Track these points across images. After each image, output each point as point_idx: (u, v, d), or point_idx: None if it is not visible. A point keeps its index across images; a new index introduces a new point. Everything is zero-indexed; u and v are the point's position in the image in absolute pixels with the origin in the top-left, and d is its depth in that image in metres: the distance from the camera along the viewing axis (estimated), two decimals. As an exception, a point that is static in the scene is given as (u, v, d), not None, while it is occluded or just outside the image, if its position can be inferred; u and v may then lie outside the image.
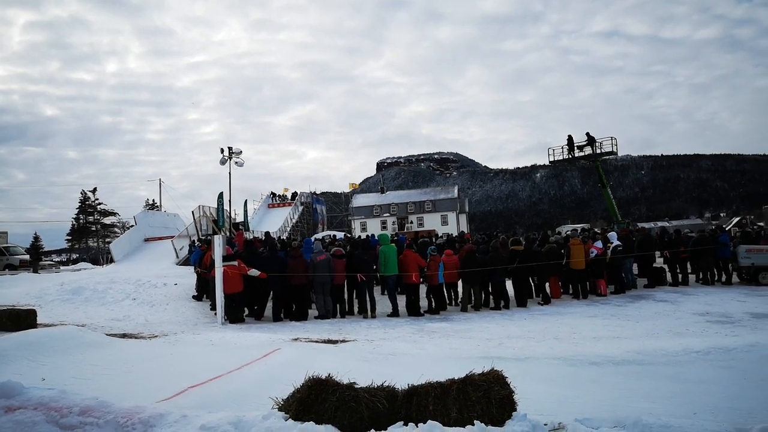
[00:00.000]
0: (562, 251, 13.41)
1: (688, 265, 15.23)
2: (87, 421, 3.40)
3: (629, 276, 14.43)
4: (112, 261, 24.44)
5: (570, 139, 29.52)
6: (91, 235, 67.22)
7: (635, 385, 5.56)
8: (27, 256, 27.91)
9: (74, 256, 61.00)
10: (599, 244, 13.80)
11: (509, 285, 12.95)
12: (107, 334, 8.67)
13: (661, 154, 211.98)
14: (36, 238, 63.75)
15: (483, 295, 12.76)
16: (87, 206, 67.10)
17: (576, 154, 29.64)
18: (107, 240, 55.88)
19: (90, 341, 7.53)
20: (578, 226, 29.11)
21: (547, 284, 13.24)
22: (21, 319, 9.26)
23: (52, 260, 37.30)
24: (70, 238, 67.92)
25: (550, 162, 31.63)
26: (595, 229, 21.64)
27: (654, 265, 15.42)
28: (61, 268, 31.09)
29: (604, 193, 30.06)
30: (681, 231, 17.26)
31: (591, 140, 28.71)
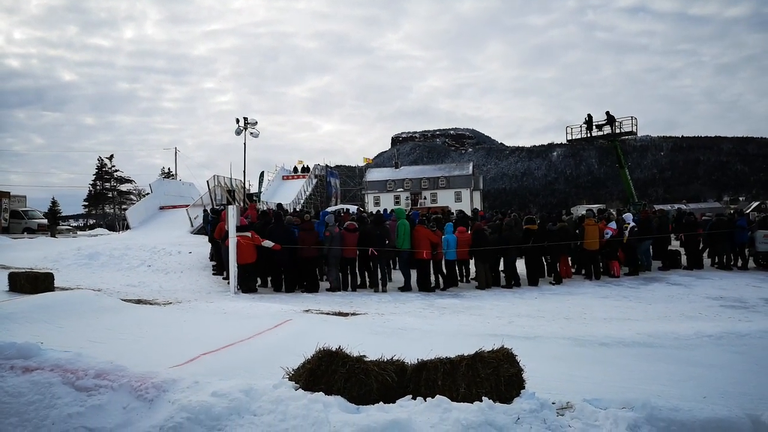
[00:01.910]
0: (577, 231, 13.32)
1: (706, 250, 15.07)
2: (102, 384, 3.46)
3: (645, 258, 14.30)
4: (127, 228, 24.72)
5: (589, 117, 29.06)
6: (108, 202, 68.14)
7: (645, 367, 5.55)
8: (45, 221, 28.42)
9: (91, 221, 62.00)
10: (614, 225, 13.68)
11: (520, 264, 12.93)
12: (122, 300, 8.82)
13: (682, 136, 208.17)
14: (54, 203, 64.86)
15: (494, 274, 12.75)
16: (104, 173, 67.88)
17: (594, 133, 29.21)
18: (123, 207, 56.54)
19: (105, 306, 7.68)
20: (594, 207, 28.83)
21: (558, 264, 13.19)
22: (39, 282, 9.45)
23: (69, 225, 37.94)
24: (87, 203, 68.98)
25: (567, 141, 31.24)
26: (611, 210, 21.44)
27: (669, 247, 15.27)
28: (78, 233, 31.60)
29: (622, 174, 29.68)
30: (696, 214, 17.04)
31: (610, 119, 28.25)
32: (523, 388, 3.68)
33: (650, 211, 17.16)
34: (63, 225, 31.35)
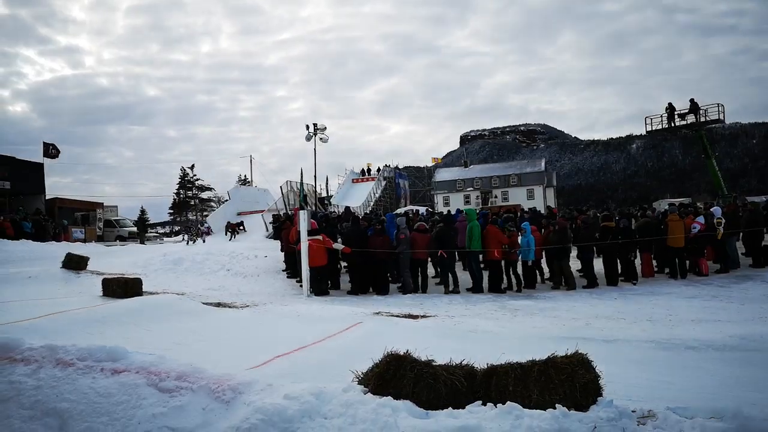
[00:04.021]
0: (662, 227, 12.61)
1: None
2: (182, 386, 3.64)
3: (734, 255, 13.30)
4: (209, 233, 26.01)
5: (670, 107, 27.48)
6: (191, 209, 71.90)
7: (737, 373, 5.16)
8: (135, 228, 30.37)
9: (176, 228, 65.61)
10: (701, 219, 12.82)
11: (598, 263, 12.40)
12: (203, 303, 9.26)
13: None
14: (143, 212, 69.06)
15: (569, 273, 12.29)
16: (186, 182, 71.69)
17: (677, 123, 27.60)
18: (205, 213, 59.47)
19: (188, 309, 8.10)
20: (677, 201, 27.24)
21: (638, 262, 12.53)
22: (129, 287, 10.11)
23: (156, 232, 40.36)
24: (172, 211, 73.10)
25: (647, 132, 29.75)
26: (698, 204, 20.16)
27: (763, 243, 14.11)
28: (164, 239, 33.58)
29: (709, 165, 27.86)
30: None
31: (694, 107, 26.59)
32: (601, 395, 3.51)
33: (737, 204, 15.96)
34: (151, 232, 33.41)
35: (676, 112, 27.25)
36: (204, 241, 24.38)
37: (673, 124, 27.79)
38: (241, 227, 26.02)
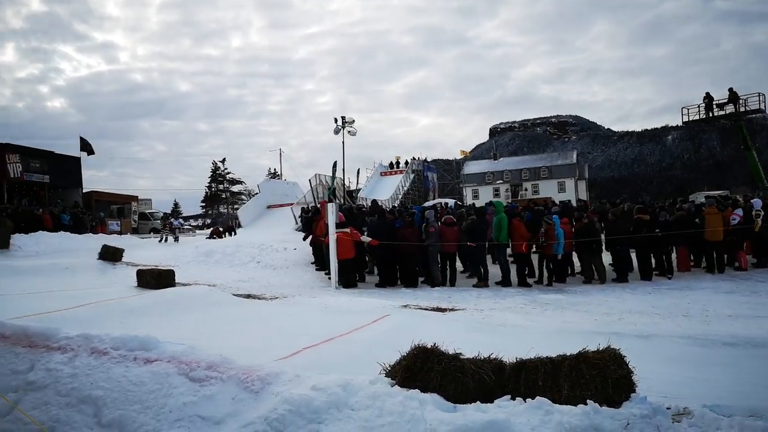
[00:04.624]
0: (697, 220, 12.24)
1: None
2: (212, 375, 3.70)
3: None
4: (239, 226, 26.36)
5: (708, 97, 26.62)
6: (222, 202, 73.12)
7: (779, 372, 4.97)
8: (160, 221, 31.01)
9: (207, 221, 66.81)
10: (739, 211, 12.39)
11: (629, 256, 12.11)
12: (234, 294, 9.40)
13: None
14: (176, 205, 70.73)
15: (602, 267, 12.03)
16: (217, 175, 72.96)
17: (715, 113, 26.73)
18: (235, 206, 60.36)
19: (219, 300, 8.23)
20: (715, 193, 26.38)
21: (674, 256, 12.19)
22: (162, 278, 10.35)
23: (189, 225, 41.19)
24: (203, 204, 74.50)
25: (683, 123, 28.92)
26: (737, 197, 19.50)
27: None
28: (196, 232, 34.21)
29: (749, 156, 26.88)
30: None
31: (734, 97, 25.68)
32: (634, 391, 3.43)
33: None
34: (184, 226, 34.09)
35: (714, 102, 26.39)
36: (176, 240, 22.54)
37: (711, 115, 26.92)
38: (233, 231, 25.16)
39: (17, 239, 16.82)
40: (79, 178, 29.61)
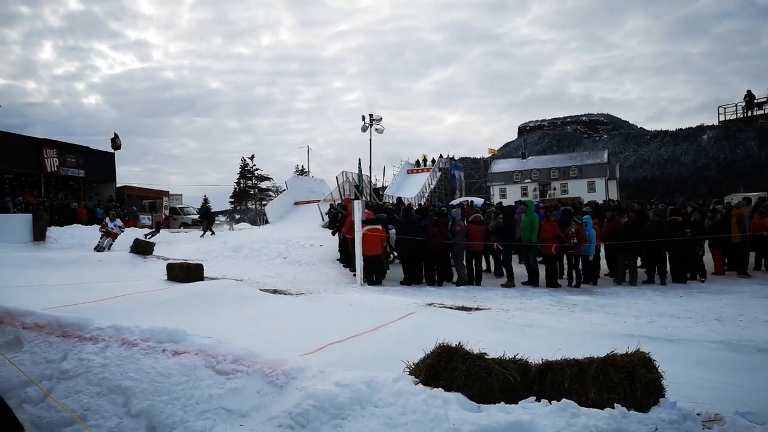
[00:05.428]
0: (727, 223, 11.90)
1: None
2: (238, 369, 3.75)
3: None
4: (267, 222, 26.64)
5: (749, 94, 25.81)
6: (250, 198, 74.05)
7: (817, 380, 4.80)
8: (198, 216, 31.57)
9: (236, 216, 67.73)
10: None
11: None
12: (261, 289, 9.51)
13: None
14: (205, 200, 71.82)
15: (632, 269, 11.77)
16: (246, 171, 73.89)
17: (755, 113, 25.92)
18: (263, 203, 61.06)
19: (246, 295, 8.33)
20: (752, 195, 25.59)
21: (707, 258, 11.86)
22: (191, 272, 10.53)
23: (219, 220, 41.78)
24: (233, 200, 75.55)
25: (720, 122, 28.10)
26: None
27: None
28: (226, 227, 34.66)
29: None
30: None
31: (774, 95, 24.90)
32: (663, 396, 3.35)
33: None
34: (216, 221, 34.63)
35: (755, 101, 25.59)
36: (109, 248, 15.34)
37: (751, 113, 26.12)
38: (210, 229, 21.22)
39: (53, 232, 17.35)
40: (113, 173, 30.31)
